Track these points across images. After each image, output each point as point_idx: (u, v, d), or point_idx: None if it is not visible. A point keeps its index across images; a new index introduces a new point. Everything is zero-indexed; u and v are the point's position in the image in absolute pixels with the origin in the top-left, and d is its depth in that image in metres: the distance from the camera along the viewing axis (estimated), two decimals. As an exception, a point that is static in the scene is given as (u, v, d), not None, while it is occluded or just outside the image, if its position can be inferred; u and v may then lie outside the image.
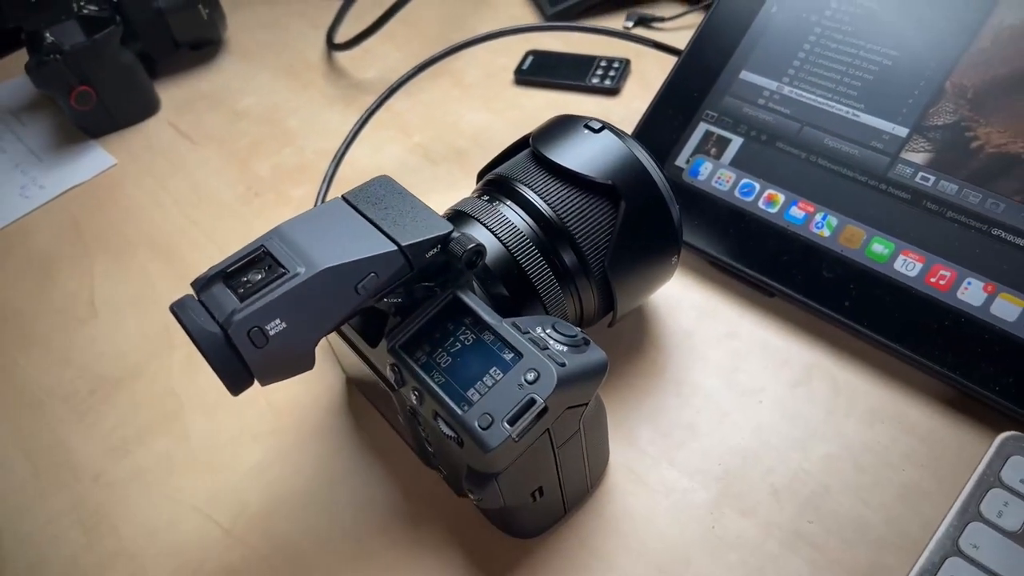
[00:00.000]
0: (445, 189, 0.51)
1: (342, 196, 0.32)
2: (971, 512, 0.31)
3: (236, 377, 0.27)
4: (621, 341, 0.41)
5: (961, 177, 0.38)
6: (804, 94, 0.43)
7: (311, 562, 0.35)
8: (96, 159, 0.60)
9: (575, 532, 0.34)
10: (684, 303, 0.42)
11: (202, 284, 0.28)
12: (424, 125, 0.57)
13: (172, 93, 0.65)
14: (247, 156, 0.58)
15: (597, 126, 0.37)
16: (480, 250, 0.30)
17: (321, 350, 0.43)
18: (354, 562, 0.35)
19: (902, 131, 0.40)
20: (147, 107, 0.63)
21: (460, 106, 0.59)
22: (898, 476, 0.35)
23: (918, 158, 0.39)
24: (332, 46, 0.65)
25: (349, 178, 0.52)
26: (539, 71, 0.60)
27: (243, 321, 0.26)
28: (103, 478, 0.40)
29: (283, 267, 0.28)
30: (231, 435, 0.40)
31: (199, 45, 0.68)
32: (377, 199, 0.31)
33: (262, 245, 0.29)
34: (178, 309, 0.27)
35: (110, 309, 0.49)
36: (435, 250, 0.30)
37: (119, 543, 0.37)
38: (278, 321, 0.27)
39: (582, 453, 0.32)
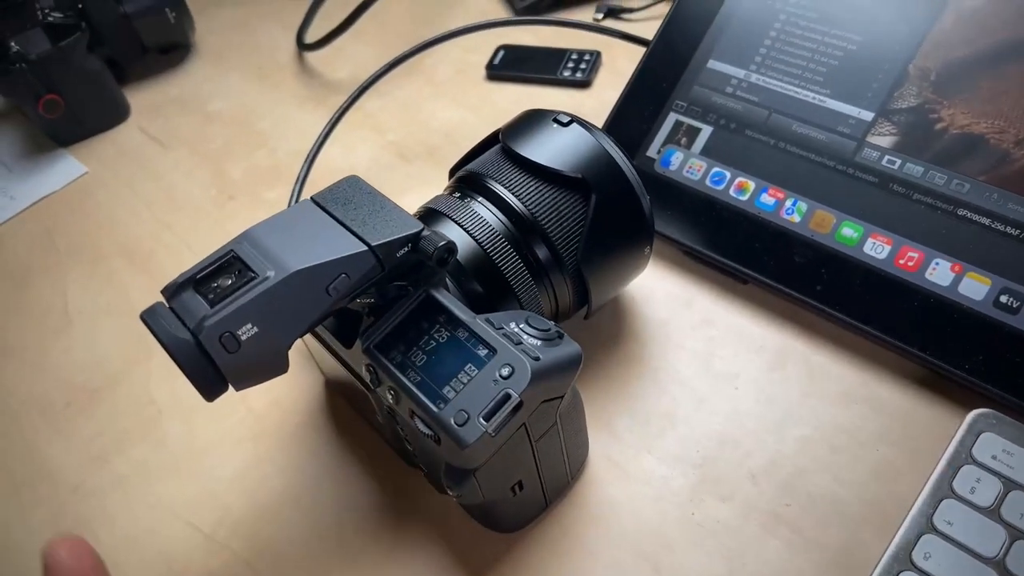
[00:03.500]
0: (419, 187, 0.51)
1: (311, 198, 0.31)
2: (944, 489, 0.32)
3: (210, 383, 0.27)
4: (598, 333, 0.41)
5: (926, 159, 0.38)
6: (771, 81, 0.43)
7: (294, 564, 0.35)
8: (67, 168, 0.59)
9: (557, 524, 0.35)
10: (659, 293, 0.43)
11: (172, 291, 0.28)
12: (397, 123, 0.57)
13: (142, 98, 0.64)
14: (219, 159, 0.58)
15: (566, 120, 0.37)
16: (451, 247, 0.30)
17: (299, 353, 0.43)
18: (337, 563, 0.35)
19: (868, 115, 0.40)
20: (117, 113, 0.62)
21: (433, 103, 0.59)
22: (872, 455, 0.35)
23: (884, 141, 0.39)
24: (302, 46, 0.65)
25: (322, 179, 0.52)
26: (510, 66, 0.60)
27: (214, 327, 0.26)
28: (82, 488, 0.40)
29: (253, 271, 0.28)
30: (211, 441, 0.40)
31: (168, 49, 0.67)
32: (346, 200, 0.31)
33: (231, 250, 0.29)
34: (148, 317, 0.27)
35: (85, 318, 0.48)
36: (406, 249, 0.30)
37: (101, 553, 0.37)
38: (250, 326, 0.27)
39: (560, 445, 0.33)
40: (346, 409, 0.40)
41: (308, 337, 0.36)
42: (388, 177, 0.53)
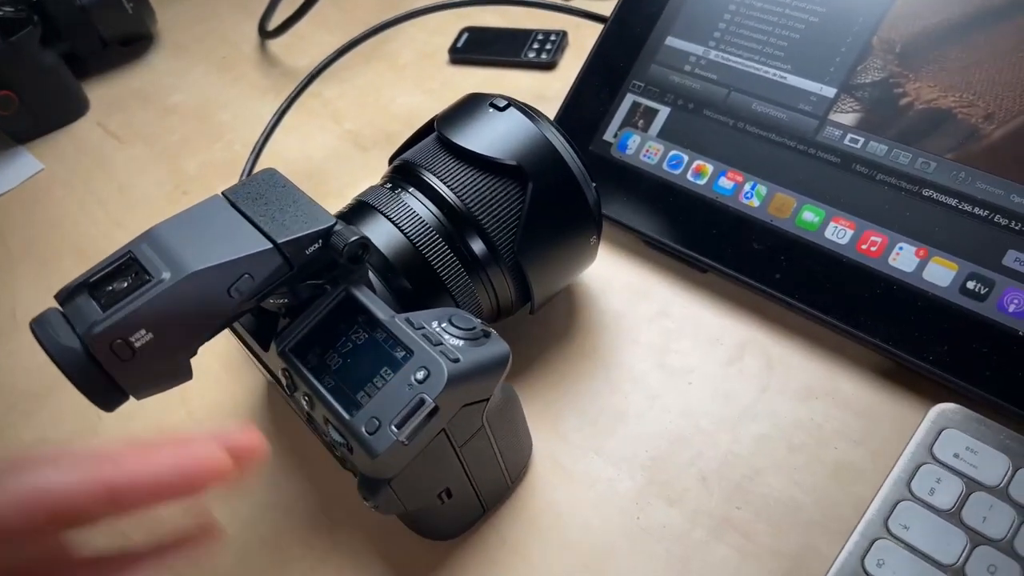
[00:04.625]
0: (374, 177, 0.49)
1: (222, 192, 0.30)
2: (901, 491, 0.30)
3: (103, 394, 0.26)
4: (547, 327, 0.39)
5: (891, 137, 0.36)
6: (731, 58, 0.41)
7: (226, 573, 0.34)
8: (23, 165, 0.58)
9: (496, 530, 0.33)
10: (614, 283, 0.41)
11: (66, 295, 0.27)
12: (356, 111, 0.55)
13: (101, 92, 0.63)
14: (176, 153, 0.56)
15: (502, 104, 0.35)
16: (364, 243, 0.28)
17: (240, 352, 0.41)
18: (271, 571, 0.34)
19: (830, 91, 0.38)
20: (74, 108, 0.61)
21: (393, 89, 0.57)
22: (831, 455, 0.33)
23: (847, 119, 0.37)
24: (264, 34, 0.63)
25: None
26: (474, 48, 0.58)
27: (103, 334, 0.25)
28: (19, 497, 0.38)
29: (148, 273, 0.26)
30: (149, 446, 0.39)
31: (128, 41, 0.65)
32: (258, 195, 0.29)
33: (129, 251, 0.27)
34: (36, 325, 0.26)
35: (33, 320, 0.47)
36: (316, 246, 0.28)
37: (33, 565, 0.36)
38: (143, 332, 0.25)
39: (493, 449, 0.31)
40: (285, 410, 0.39)
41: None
42: (343, 167, 0.51)
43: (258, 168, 0.48)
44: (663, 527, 0.32)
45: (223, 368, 0.41)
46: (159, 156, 0.56)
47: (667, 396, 0.36)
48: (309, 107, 0.56)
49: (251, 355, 0.34)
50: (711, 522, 0.32)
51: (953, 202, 0.34)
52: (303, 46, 0.63)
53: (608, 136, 0.43)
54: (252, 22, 0.66)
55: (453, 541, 0.33)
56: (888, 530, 0.29)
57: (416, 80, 0.57)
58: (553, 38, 0.56)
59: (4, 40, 0.55)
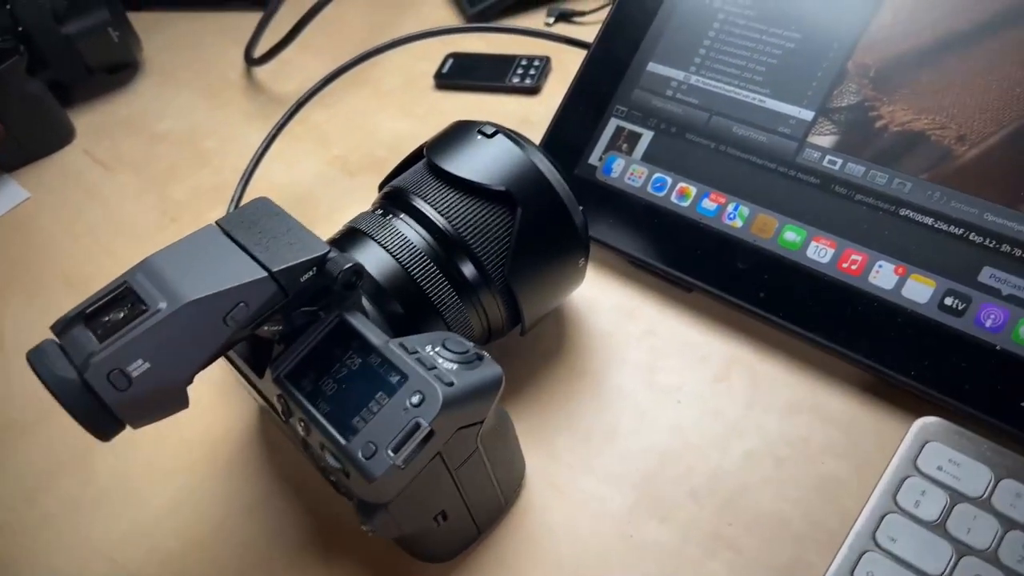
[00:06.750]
0: (361, 202, 0.50)
1: (216, 222, 0.30)
2: (888, 504, 0.31)
3: (100, 424, 0.26)
4: (537, 348, 0.40)
5: (867, 158, 0.37)
6: (711, 83, 0.42)
7: (223, 602, 0.34)
8: (8, 193, 0.58)
9: (491, 552, 0.33)
10: (602, 304, 0.41)
11: (62, 326, 0.27)
12: (343, 136, 0.56)
13: (87, 120, 0.63)
14: (164, 181, 0.56)
15: (490, 131, 0.35)
16: (358, 270, 0.29)
17: (233, 377, 0.41)
18: (267, 599, 0.34)
19: (808, 115, 0.39)
20: (60, 136, 0.61)
21: (380, 115, 0.57)
22: (817, 469, 0.34)
23: (825, 141, 0.38)
24: (250, 61, 0.63)
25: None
26: (459, 74, 0.59)
27: (101, 364, 0.25)
28: (9, 527, 0.38)
29: (144, 303, 0.26)
30: (141, 473, 0.39)
31: (114, 69, 0.66)
32: (251, 223, 0.30)
33: (125, 281, 0.27)
34: (34, 356, 0.26)
35: (22, 350, 0.47)
36: (310, 273, 0.28)
37: (24, 597, 0.36)
38: (140, 361, 0.25)
39: (487, 471, 0.31)
40: (278, 436, 0.39)
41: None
42: (331, 192, 0.52)
43: (247, 195, 0.49)
44: (656, 544, 0.33)
45: (216, 394, 0.41)
46: (147, 183, 0.56)
47: (656, 413, 0.37)
48: (296, 133, 0.56)
49: (245, 382, 0.34)
50: (702, 538, 0.32)
51: (929, 221, 0.35)
52: (289, 71, 0.63)
53: (593, 160, 0.44)
54: (238, 48, 0.66)
55: (448, 564, 0.33)
56: (876, 542, 0.30)
57: (402, 105, 0.58)
58: (537, 63, 0.57)
59: (-10, 70, 0.55)
